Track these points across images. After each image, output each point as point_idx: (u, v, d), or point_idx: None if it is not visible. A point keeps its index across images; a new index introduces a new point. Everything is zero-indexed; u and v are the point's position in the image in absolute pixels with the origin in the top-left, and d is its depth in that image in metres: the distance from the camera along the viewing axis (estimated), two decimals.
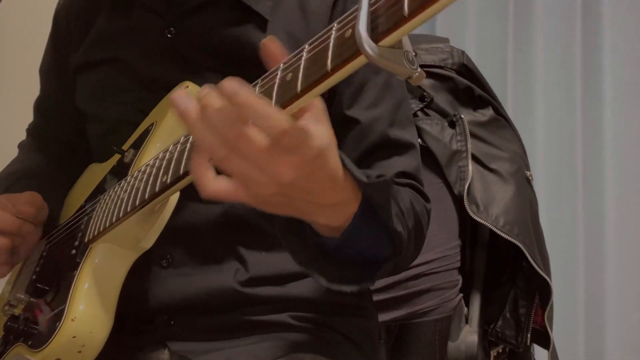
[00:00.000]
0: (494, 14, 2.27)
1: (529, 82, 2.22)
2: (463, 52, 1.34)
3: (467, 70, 1.32)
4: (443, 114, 1.29)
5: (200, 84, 0.89)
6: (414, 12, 0.51)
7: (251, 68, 0.89)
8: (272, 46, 0.62)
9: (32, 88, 1.17)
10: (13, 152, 1.18)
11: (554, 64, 2.21)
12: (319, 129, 0.61)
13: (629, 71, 2.16)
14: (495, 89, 1.36)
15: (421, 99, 1.29)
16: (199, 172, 0.62)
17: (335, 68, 0.56)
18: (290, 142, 0.58)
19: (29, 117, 1.20)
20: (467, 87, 1.31)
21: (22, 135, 1.21)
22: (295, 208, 0.66)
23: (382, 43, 0.53)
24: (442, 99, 1.29)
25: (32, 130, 1.20)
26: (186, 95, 0.61)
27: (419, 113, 1.28)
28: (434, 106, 1.29)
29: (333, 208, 0.68)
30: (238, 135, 0.58)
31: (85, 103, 1.03)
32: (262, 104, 0.57)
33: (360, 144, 0.91)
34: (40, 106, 1.17)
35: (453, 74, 1.30)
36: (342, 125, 0.92)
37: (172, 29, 0.94)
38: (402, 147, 0.92)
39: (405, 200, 0.83)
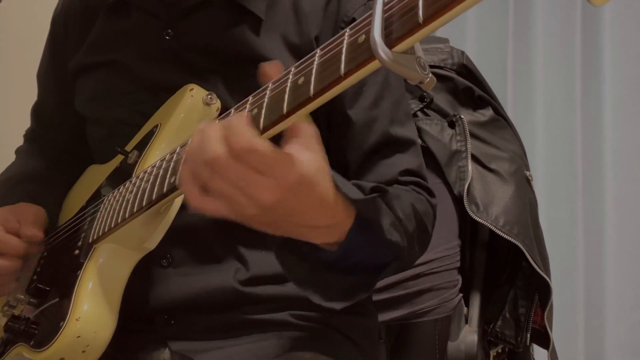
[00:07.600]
0: (494, 13, 2.27)
1: (529, 82, 2.22)
2: (463, 52, 1.34)
3: (467, 70, 1.32)
4: (443, 114, 1.29)
5: (198, 85, 0.90)
6: (428, 19, 0.52)
7: (247, 67, 0.90)
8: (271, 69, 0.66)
9: (32, 91, 1.16)
10: (10, 157, 1.18)
11: (554, 64, 2.21)
12: (305, 155, 0.62)
13: (629, 71, 2.15)
14: (495, 89, 1.36)
15: (421, 99, 1.29)
16: (188, 187, 0.64)
17: (349, 72, 0.57)
18: (269, 168, 0.60)
19: (27, 119, 1.19)
20: (466, 87, 1.31)
21: (21, 139, 1.21)
22: (283, 229, 0.68)
23: (395, 49, 0.54)
24: (441, 99, 1.29)
25: (29, 135, 1.20)
26: None
27: (419, 113, 1.28)
28: (434, 106, 1.29)
29: (328, 229, 0.70)
30: (217, 158, 0.60)
31: (85, 106, 1.03)
32: (246, 130, 0.59)
33: (363, 143, 0.92)
34: (37, 111, 1.17)
35: (453, 74, 1.30)
36: (343, 124, 0.92)
37: (169, 30, 0.95)
38: (403, 145, 0.93)
39: (405, 205, 0.83)
